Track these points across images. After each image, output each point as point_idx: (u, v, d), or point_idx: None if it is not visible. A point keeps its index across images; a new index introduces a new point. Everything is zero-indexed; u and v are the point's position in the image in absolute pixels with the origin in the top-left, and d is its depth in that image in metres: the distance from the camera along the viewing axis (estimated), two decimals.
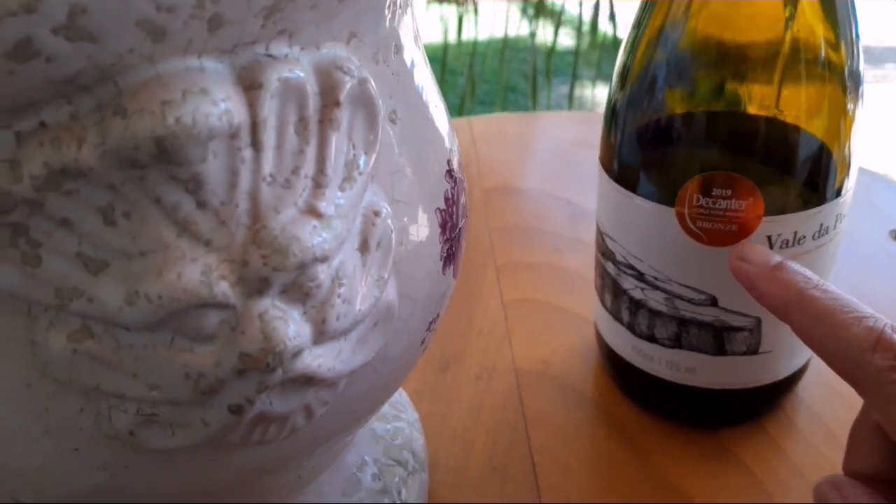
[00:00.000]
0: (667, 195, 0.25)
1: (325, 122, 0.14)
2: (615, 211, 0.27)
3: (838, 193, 0.25)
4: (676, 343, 0.27)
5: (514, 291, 0.40)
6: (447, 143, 0.20)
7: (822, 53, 0.24)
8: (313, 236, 0.13)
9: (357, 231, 0.15)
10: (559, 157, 0.55)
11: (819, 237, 0.25)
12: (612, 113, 0.27)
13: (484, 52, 1.50)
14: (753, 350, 0.27)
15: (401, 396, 0.29)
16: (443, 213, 0.19)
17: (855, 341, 0.19)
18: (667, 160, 0.25)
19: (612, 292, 0.29)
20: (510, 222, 0.47)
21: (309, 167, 0.14)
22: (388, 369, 0.17)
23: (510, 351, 0.35)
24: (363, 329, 0.15)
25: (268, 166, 0.13)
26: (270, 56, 0.13)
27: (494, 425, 0.31)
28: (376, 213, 0.15)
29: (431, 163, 0.18)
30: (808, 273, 0.21)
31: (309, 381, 0.14)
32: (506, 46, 1.51)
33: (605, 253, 0.29)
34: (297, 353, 0.13)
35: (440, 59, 1.42)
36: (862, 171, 0.49)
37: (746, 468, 0.28)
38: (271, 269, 0.13)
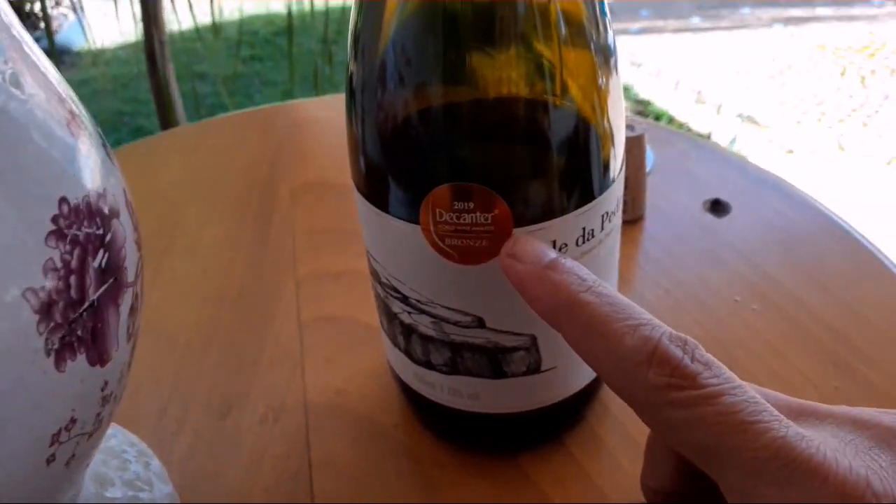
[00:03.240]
0: (411, 211, 0.21)
1: None
2: (369, 228, 0.23)
3: (602, 189, 0.22)
4: (453, 369, 0.24)
5: (313, 308, 0.35)
6: (62, 189, 0.15)
7: (560, 14, 0.20)
8: None
9: None
10: None
11: (584, 242, 0.21)
12: (350, 96, 0.22)
13: (339, 18, 1.43)
14: (535, 369, 0.23)
15: (147, 471, 0.24)
16: (44, 294, 0.14)
17: (629, 354, 0.16)
18: (405, 167, 0.21)
19: (386, 316, 0.25)
20: (318, 224, 0.42)
21: None
22: None
23: (302, 382, 0.31)
24: None
25: None
26: None
27: (275, 479, 0.27)
28: None
29: (14, 224, 0.13)
30: (585, 273, 0.18)
31: None
32: None
33: (372, 273, 0.25)
34: None
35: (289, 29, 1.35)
36: (681, 136, 0.47)
37: (546, 496, 0.25)
38: None
